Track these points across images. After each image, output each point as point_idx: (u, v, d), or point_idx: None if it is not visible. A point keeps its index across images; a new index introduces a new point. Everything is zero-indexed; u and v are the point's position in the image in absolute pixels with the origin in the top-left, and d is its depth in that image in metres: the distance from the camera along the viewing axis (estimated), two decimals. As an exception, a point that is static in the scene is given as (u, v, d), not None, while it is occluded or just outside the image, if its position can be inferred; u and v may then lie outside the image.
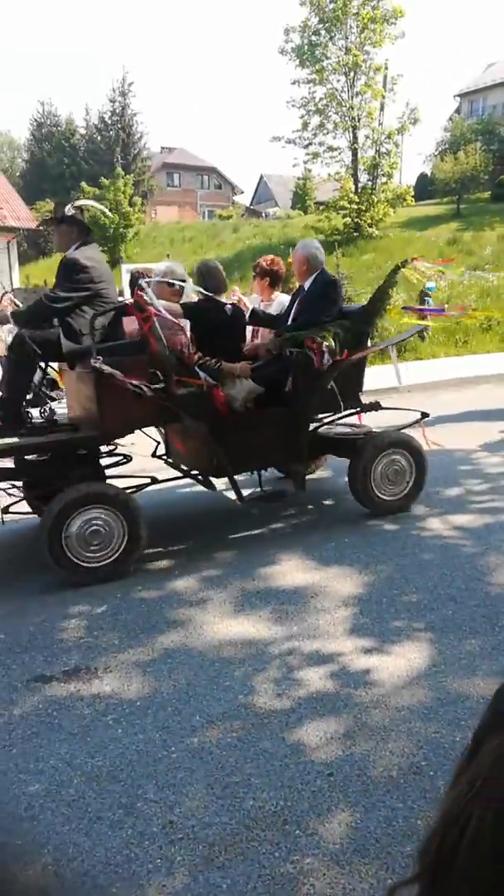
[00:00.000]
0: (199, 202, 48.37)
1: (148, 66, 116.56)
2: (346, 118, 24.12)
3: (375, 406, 5.25)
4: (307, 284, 4.95)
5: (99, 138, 42.38)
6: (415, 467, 4.99)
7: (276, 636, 3.37)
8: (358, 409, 5.20)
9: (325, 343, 4.48)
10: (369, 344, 5.40)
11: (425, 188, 33.85)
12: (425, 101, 51.26)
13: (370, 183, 24.56)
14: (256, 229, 30.20)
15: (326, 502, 5.39)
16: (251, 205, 51.28)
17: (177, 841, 2.11)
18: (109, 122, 42.60)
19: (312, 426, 5.16)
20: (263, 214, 42.59)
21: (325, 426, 5.39)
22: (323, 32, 23.80)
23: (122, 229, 25.94)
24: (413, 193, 26.29)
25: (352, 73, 23.67)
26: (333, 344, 4.52)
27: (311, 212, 33.35)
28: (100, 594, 3.98)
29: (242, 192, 52.41)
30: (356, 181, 24.53)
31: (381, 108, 24.38)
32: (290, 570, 4.16)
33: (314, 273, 4.94)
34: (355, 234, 23.99)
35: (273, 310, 5.33)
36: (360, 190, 24.32)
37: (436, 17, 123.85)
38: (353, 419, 5.52)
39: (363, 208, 23.84)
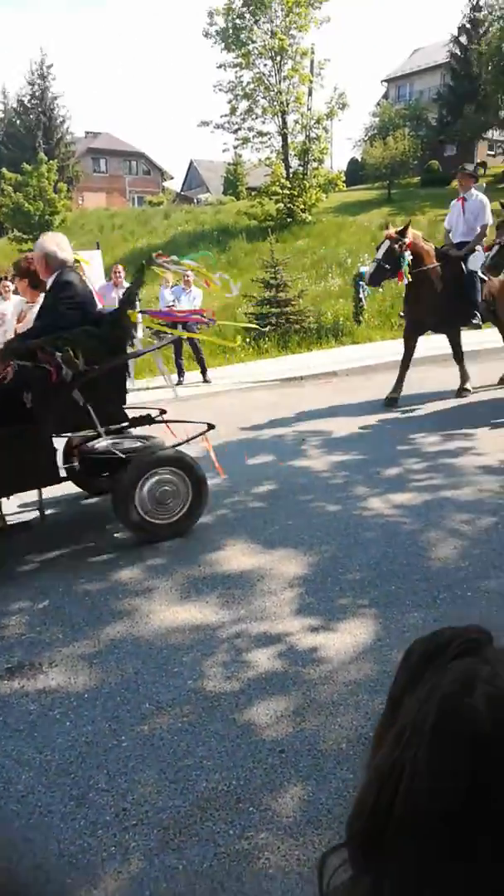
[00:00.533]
0: (128, 188, 47.46)
1: (69, 48, 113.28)
2: (275, 103, 24.12)
3: (148, 419, 4.76)
4: (48, 286, 4.45)
5: (18, 122, 40.86)
6: (190, 486, 4.47)
7: (223, 620, 3.39)
8: (125, 423, 4.66)
9: (60, 353, 4.01)
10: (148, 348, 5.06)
11: (356, 173, 34.22)
12: (353, 86, 51.83)
13: (301, 168, 24.68)
14: (188, 215, 29.90)
15: (269, 487, 5.43)
16: (182, 191, 50.70)
17: (130, 828, 2.10)
18: (29, 105, 41.13)
19: (86, 443, 4.80)
20: (195, 200, 42.20)
21: (109, 442, 4.91)
22: (248, 16, 23.66)
23: (48, 217, 25.27)
24: (344, 179, 26.58)
25: (278, 58, 23.66)
26: (72, 353, 4.04)
27: (243, 197, 33.26)
28: (42, 588, 3.91)
29: (172, 178, 51.73)
30: (287, 166, 24.60)
31: (310, 93, 24.49)
32: (236, 555, 4.18)
33: (54, 273, 4.41)
34: (289, 219, 24.08)
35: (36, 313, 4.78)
36: (291, 175, 24.40)
37: (362, 1, 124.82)
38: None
39: (295, 193, 23.94)
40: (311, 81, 24.37)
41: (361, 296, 12.68)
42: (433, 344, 11.26)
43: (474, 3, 35.51)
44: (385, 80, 44.83)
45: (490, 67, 33.15)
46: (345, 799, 2.14)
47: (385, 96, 43.24)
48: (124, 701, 2.79)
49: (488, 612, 3.28)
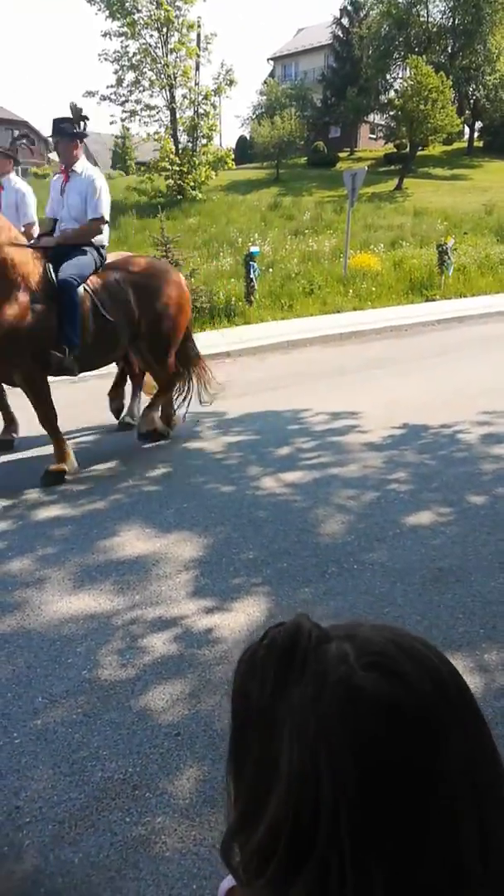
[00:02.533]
0: (11, 159, 44.97)
1: None
2: (162, 76, 23.59)
3: None
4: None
5: None
6: None
7: (118, 608, 3.36)
8: None
9: None
10: None
11: (245, 152, 34.21)
12: (241, 64, 51.30)
13: (191, 144, 24.35)
14: (75, 190, 28.75)
15: (164, 470, 5.40)
16: (68, 163, 48.62)
17: (24, 825, 2.07)
18: None
19: None
20: (82, 174, 40.62)
21: None
22: (132, -18, 22.92)
23: None
24: (234, 157, 26.46)
25: (164, 29, 23.09)
26: None
27: (132, 172, 32.43)
28: None
29: (58, 150, 49.45)
30: (176, 142, 24.19)
31: (197, 68, 24.12)
32: (130, 541, 4.14)
33: None
34: (179, 196, 23.75)
35: None
36: (181, 151, 24.02)
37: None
38: None
39: (185, 170, 23.62)
40: (198, 55, 23.98)
41: (252, 276, 12.74)
42: (304, 327, 11.52)
43: (355, -15, 36.11)
44: (271, 59, 44.88)
45: (371, 51, 33.96)
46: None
47: (272, 74, 43.34)
48: (16, 696, 2.71)
49: (372, 583, 3.45)
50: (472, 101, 35.73)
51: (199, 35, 23.86)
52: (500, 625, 3.06)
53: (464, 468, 5.01)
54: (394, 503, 4.47)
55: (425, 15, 34.38)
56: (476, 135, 38.82)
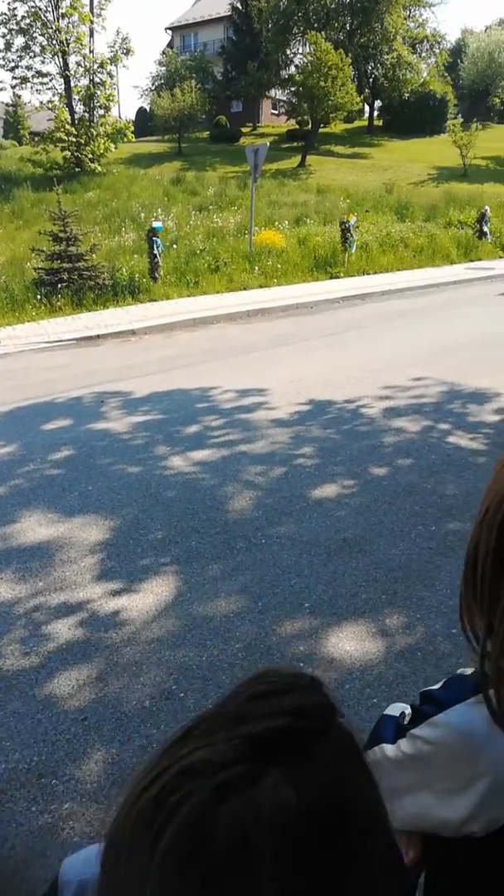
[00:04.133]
0: None
1: None
2: (54, 41, 22.55)
3: None
4: None
5: None
6: None
7: (20, 595, 3.25)
8: None
9: None
10: None
11: (145, 124, 33.36)
12: (138, 33, 49.87)
13: (87, 115, 23.48)
14: (-35, 160, 27.22)
15: (66, 453, 5.25)
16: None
17: None
18: None
19: None
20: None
21: None
22: None
23: None
24: (133, 129, 25.76)
25: (55, -9, 22.07)
26: None
27: (26, 143, 30.97)
28: None
29: None
30: (72, 111, 23.27)
31: (91, 34, 23.25)
32: (32, 526, 4.00)
33: None
34: (77, 169, 22.91)
35: None
36: (77, 122, 23.13)
37: None
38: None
39: (82, 142, 22.79)
40: (91, 21, 23.08)
41: (156, 252, 12.51)
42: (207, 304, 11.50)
43: (253, -43, 35.64)
44: (169, 28, 43.77)
45: (270, 25, 33.74)
46: (149, 754, 2.19)
47: (170, 45, 42.31)
48: None
49: (279, 556, 3.50)
50: (370, 79, 36.26)
51: (91, 0, 22.93)
52: (400, 590, 3.18)
53: (367, 441, 5.15)
54: (300, 477, 4.54)
55: (323, -10, 34.43)
56: (376, 114, 39.52)
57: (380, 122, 39.41)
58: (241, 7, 36.38)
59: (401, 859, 0.50)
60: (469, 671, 0.82)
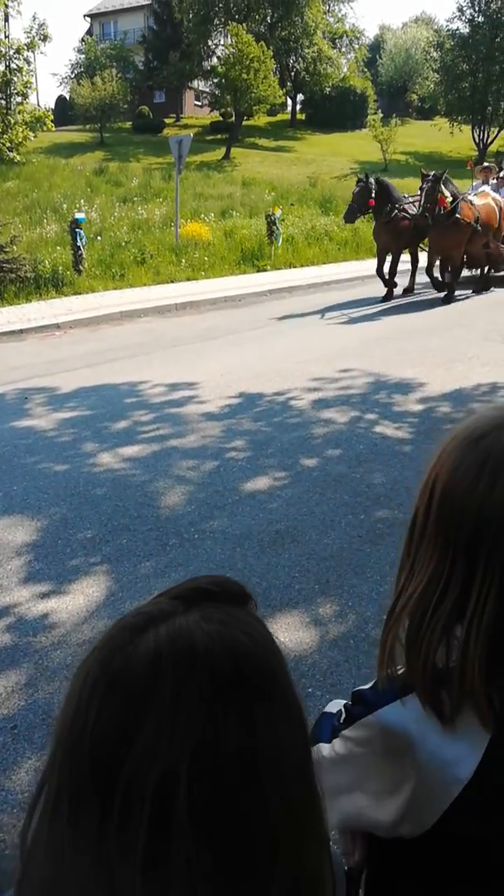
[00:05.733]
0: None
1: None
2: (-34, 24, 21.64)
3: None
4: None
5: None
6: None
7: None
8: None
9: None
10: None
11: (65, 113, 32.48)
12: (55, 19, 48.41)
13: (4, 102, 22.68)
14: None
15: (-10, 452, 5.06)
16: None
17: None
18: None
19: None
20: None
21: None
22: None
23: None
24: (53, 117, 25.05)
25: (-35, -28, 21.17)
26: None
27: None
28: None
29: None
30: (-13, 98, 22.43)
31: (6, 19, 22.43)
32: (-45, 530, 3.84)
33: None
34: (-6, 158, 22.11)
35: None
36: (-7, 109, 22.32)
37: None
38: None
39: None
40: (5, 6, 22.26)
41: (79, 244, 12.20)
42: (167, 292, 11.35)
43: None
44: (88, 15, 42.74)
45: (191, 15, 33.45)
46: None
47: (89, 32, 41.33)
48: None
49: (213, 550, 3.48)
50: (292, 73, 36.49)
51: (5, -19, 22.12)
52: (332, 579, 3.23)
53: (297, 433, 5.19)
54: (232, 471, 4.54)
55: (244, -18, 34.36)
56: (298, 107, 39.82)
57: (302, 116, 39.75)
58: (161, -4, 35.88)
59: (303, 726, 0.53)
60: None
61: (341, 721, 0.90)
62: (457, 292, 10.54)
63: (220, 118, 33.72)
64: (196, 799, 0.44)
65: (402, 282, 11.18)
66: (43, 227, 14.68)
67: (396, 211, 10.17)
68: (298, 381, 6.51)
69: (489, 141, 33.79)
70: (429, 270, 10.79)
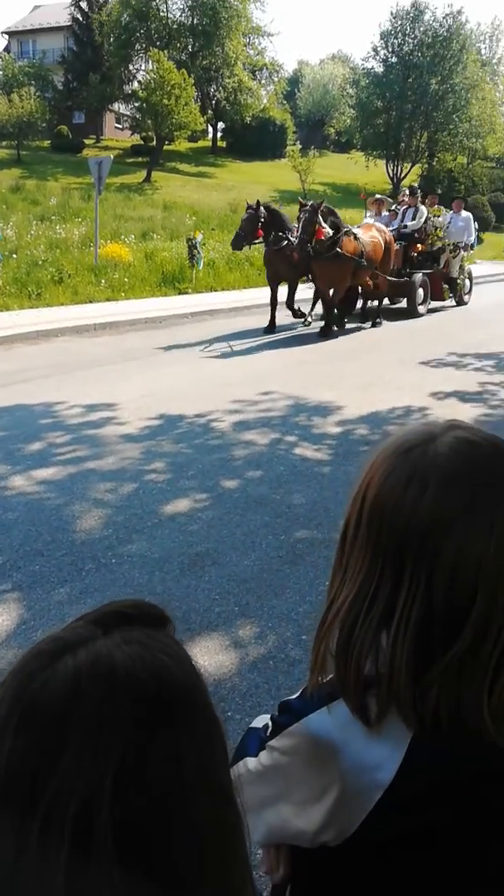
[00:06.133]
0: None
1: None
2: None
3: None
4: None
5: None
6: None
7: None
8: None
9: None
10: None
11: (-19, 128, 31.71)
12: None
13: None
14: None
15: None
16: None
17: None
18: None
19: None
20: None
21: None
22: None
23: None
24: (-33, 132, 24.43)
25: None
26: None
27: None
28: None
29: None
30: None
31: None
32: None
33: None
34: None
35: None
36: None
37: None
38: None
39: None
40: None
41: (-6, 262, 11.88)
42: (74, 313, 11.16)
43: (91, -31, 35.39)
44: (6, 32, 42.15)
45: (112, 39, 33.58)
46: None
47: (6, 49, 40.72)
48: None
49: (130, 574, 3.40)
50: (213, 101, 37.13)
51: None
52: (252, 601, 3.21)
53: (218, 455, 5.18)
54: (152, 493, 4.46)
55: (165, 10, 34.84)
56: (219, 135, 40.50)
57: (223, 144, 40.44)
58: (81, 19, 35.85)
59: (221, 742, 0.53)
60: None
61: (268, 733, 0.89)
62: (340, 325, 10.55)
63: (142, 141, 33.84)
64: (120, 821, 0.43)
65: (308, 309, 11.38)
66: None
67: (287, 240, 9.87)
68: (219, 402, 6.51)
69: (402, 175, 35.42)
70: (288, 303, 10.61)
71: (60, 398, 6.69)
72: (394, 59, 35.58)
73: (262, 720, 0.98)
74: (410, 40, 35.83)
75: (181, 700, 0.49)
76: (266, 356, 8.94)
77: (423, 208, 12.17)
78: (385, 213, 12.56)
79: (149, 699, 0.47)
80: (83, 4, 35.92)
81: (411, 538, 0.72)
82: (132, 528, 3.93)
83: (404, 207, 12.50)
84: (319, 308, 11.01)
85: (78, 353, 8.97)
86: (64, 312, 11.91)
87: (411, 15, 36.01)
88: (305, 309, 11.11)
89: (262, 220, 9.93)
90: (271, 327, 10.38)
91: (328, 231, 9.31)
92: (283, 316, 11.38)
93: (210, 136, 40.25)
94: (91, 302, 12.93)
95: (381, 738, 0.73)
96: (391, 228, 11.77)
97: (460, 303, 13.56)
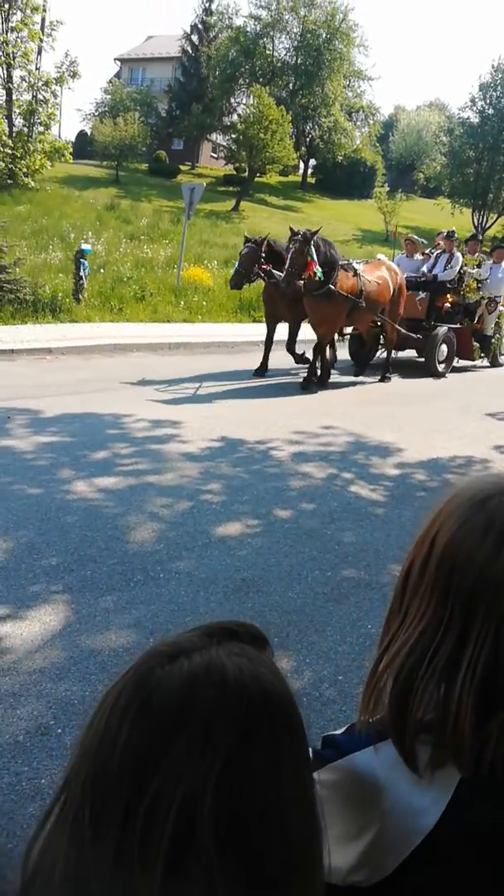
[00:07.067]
0: None
1: None
2: (0, 53, 22.28)
3: None
4: None
5: None
6: None
7: None
8: None
9: None
10: None
11: (85, 147, 33.27)
12: (85, 59, 50.02)
13: (26, 129, 23.22)
14: None
15: (-35, 467, 5.02)
16: None
17: None
18: None
19: None
20: None
21: None
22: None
23: None
24: (72, 150, 25.66)
25: (6, 5, 21.92)
26: None
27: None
28: None
29: None
30: (11, 124, 22.93)
31: (39, 52, 23.16)
32: None
33: None
34: (10, 181, 22.48)
35: None
36: (15, 135, 22.81)
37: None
38: None
39: (18, 155, 22.44)
40: (41, 40, 23.00)
41: (82, 273, 12.37)
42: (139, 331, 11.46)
43: (206, 5, 36.85)
44: (119, 59, 44.27)
45: (217, 73, 34.78)
46: (17, 793, 2.08)
47: (118, 75, 42.72)
48: None
49: (176, 592, 3.46)
50: (308, 139, 37.87)
51: (43, 19, 22.94)
52: (293, 633, 3.21)
53: (273, 483, 5.22)
54: (206, 513, 4.53)
55: (271, 49, 35.95)
56: (310, 171, 41.19)
57: (313, 180, 41.08)
58: (191, 51, 37.35)
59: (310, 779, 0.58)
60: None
61: None
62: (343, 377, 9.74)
63: (234, 172, 34.75)
64: (221, 814, 0.47)
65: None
66: (48, 254, 14.86)
67: (274, 276, 8.74)
68: (281, 432, 6.57)
69: (487, 225, 35.13)
70: (289, 345, 9.57)
71: (129, 411, 6.89)
72: (490, 111, 35.56)
73: None
74: (510, 93, 35.81)
75: (281, 712, 0.54)
76: (330, 392, 8.96)
77: (458, 255, 10.83)
78: (418, 256, 11.51)
79: (254, 706, 0.51)
80: (194, 38, 37.45)
81: (485, 590, 0.71)
82: (183, 546, 4.00)
83: (437, 252, 11.23)
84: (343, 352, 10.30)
85: (150, 370, 9.22)
86: (142, 329, 12.28)
87: (513, 69, 36.02)
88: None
89: (264, 255, 9.00)
90: (262, 369, 9.40)
91: (318, 268, 8.11)
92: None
93: (301, 171, 40.97)
94: (169, 321, 13.29)
95: (428, 785, 0.73)
96: (418, 274, 10.80)
97: (494, 363, 12.06)
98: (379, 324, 9.91)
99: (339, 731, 0.87)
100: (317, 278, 8.13)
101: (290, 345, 9.57)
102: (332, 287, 8.34)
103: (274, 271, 8.76)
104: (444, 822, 0.72)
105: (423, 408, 8.34)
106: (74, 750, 0.52)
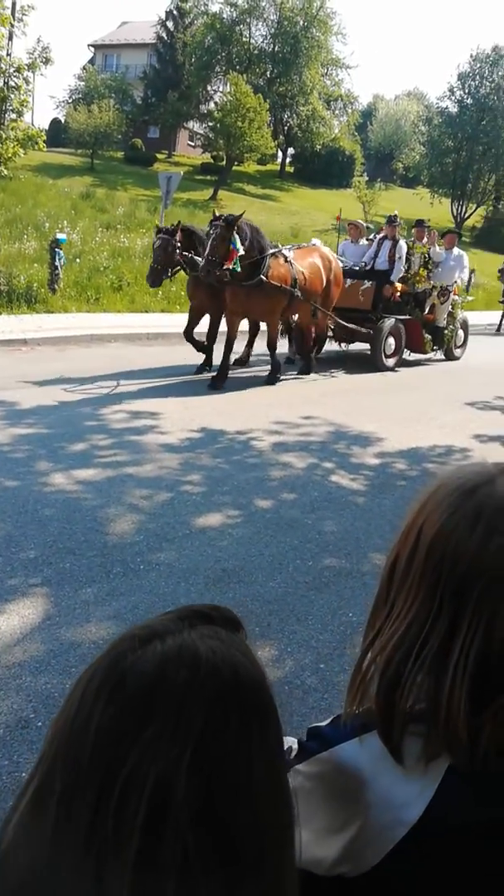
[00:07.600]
0: None
1: None
2: (-31, 37, 21.81)
3: None
4: None
5: None
6: None
7: None
8: None
9: None
10: None
11: (59, 135, 32.79)
12: (59, 44, 49.19)
13: (-2, 117, 22.78)
14: None
15: None
16: None
17: None
18: None
19: None
20: None
21: None
22: None
23: None
24: (45, 138, 25.23)
25: (-25, -11, 21.43)
26: None
27: None
28: None
29: None
30: (-18, 111, 22.51)
31: (10, 38, 22.67)
32: None
33: None
34: (-18, 169, 22.09)
35: None
36: (-14, 122, 22.38)
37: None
38: None
39: (-10, 143, 22.03)
40: (11, 25, 22.53)
41: (57, 263, 12.21)
42: (127, 321, 11.37)
43: (181, -9, 36.44)
44: (92, 45, 43.61)
45: (194, 60, 34.43)
46: (-3, 787, 2.05)
47: (91, 62, 42.12)
48: None
49: (157, 583, 3.44)
50: (286, 127, 37.69)
51: (14, 4, 22.48)
52: (274, 623, 3.21)
53: (254, 473, 5.21)
54: (186, 504, 4.51)
55: (247, 36, 35.65)
56: (288, 160, 41.02)
57: (291, 169, 40.91)
58: (166, 38, 36.89)
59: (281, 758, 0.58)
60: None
61: (292, 756, 0.89)
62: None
63: (212, 160, 34.48)
64: (194, 794, 0.48)
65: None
66: (23, 243, 14.63)
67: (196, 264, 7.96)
68: (261, 422, 6.56)
69: (466, 215, 35.33)
70: (209, 336, 8.83)
71: (107, 402, 6.83)
72: (469, 101, 35.70)
73: (285, 742, 0.98)
74: (488, 83, 35.98)
75: (254, 693, 0.54)
76: (311, 382, 8.96)
77: (402, 243, 10.03)
78: (363, 241, 10.93)
79: (226, 687, 0.52)
80: (169, 24, 36.99)
81: (474, 580, 0.71)
82: (163, 537, 3.98)
83: (380, 237, 10.46)
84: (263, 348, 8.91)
85: (128, 360, 9.14)
86: (119, 319, 12.16)
87: (491, 58, 36.18)
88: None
89: (179, 244, 8.16)
90: (206, 365, 8.78)
91: (241, 252, 7.41)
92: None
93: (279, 160, 40.78)
94: (146, 311, 13.19)
95: (412, 776, 0.72)
96: (359, 261, 10.29)
97: (449, 356, 11.35)
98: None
99: (324, 723, 0.87)
100: (228, 270, 7.34)
101: (210, 336, 8.87)
102: (265, 278, 7.75)
103: (196, 258, 7.98)
104: (429, 814, 0.72)
105: (403, 398, 8.37)
106: (48, 731, 0.52)
